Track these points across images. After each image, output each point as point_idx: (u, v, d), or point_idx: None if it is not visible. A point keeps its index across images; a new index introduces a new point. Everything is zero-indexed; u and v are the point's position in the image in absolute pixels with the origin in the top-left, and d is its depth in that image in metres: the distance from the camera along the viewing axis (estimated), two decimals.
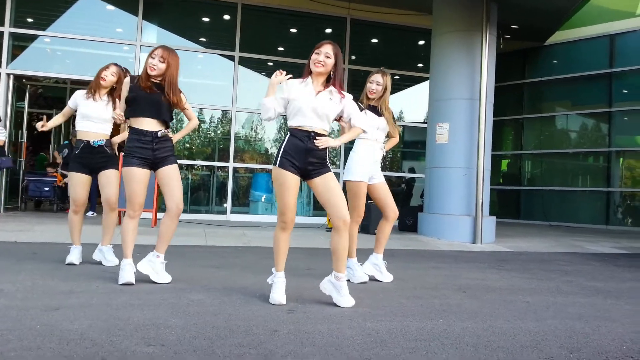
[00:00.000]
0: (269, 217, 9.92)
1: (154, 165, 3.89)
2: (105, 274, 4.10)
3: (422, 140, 9.94)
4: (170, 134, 3.93)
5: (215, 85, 10.74)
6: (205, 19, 10.64)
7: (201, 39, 10.56)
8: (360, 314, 3.17)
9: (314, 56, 3.40)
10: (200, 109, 10.36)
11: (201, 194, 10.43)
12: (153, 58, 3.84)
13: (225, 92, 10.12)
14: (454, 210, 8.00)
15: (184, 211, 9.93)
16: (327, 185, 3.38)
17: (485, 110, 7.91)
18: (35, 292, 3.38)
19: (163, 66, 3.83)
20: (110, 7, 10.05)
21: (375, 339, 2.65)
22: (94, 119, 4.50)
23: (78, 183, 4.50)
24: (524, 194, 13.47)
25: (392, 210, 4.42)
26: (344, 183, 4.33)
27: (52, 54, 10.12)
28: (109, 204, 4.52)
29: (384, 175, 4.51)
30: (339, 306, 3.33)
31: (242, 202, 10.36)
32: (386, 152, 4.54)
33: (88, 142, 4.48)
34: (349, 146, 4.50)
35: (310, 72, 3.42)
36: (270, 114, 3.43)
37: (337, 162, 10.62)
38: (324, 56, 3.38)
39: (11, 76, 9.03)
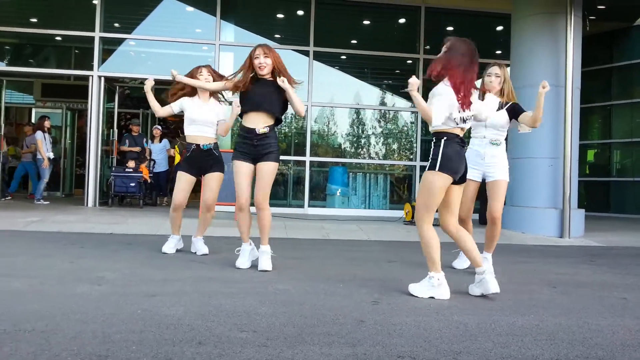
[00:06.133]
0: (346, 210, 9.94)
1: (255, 159, 4.09)
2: (194, 264, 4.28)
3: None
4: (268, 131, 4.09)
5: None
6: (280, 16, 10.80)
7: (276, 36, 10.73)
8: (446, 307, 3.13)
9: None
10: None
11: (279, 189, 10.62)
12: (257, 58, 4.00)
13: (301, 87, 10.21)
14: (540, 202, 7.65)
15: None
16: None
17: (572, 96, 7.50)
18: (133, 279, 3.59)
19: (270, 60, 4.04)
20: (189, 8, 10.42)
21: (464, 333, 2.60)
22: (200, 122, 4.63)
23: (180, 183, 4.65)
24: (614, 185, 12.66)
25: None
26: None
27: (136, 56, 10.66)
28: (206, 206, 4.70)
29: None
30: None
31: (319, 195, 10.44)
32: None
33: (198, 145, 4.62)
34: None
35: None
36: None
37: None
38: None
39: (102, 78, 9.60)
